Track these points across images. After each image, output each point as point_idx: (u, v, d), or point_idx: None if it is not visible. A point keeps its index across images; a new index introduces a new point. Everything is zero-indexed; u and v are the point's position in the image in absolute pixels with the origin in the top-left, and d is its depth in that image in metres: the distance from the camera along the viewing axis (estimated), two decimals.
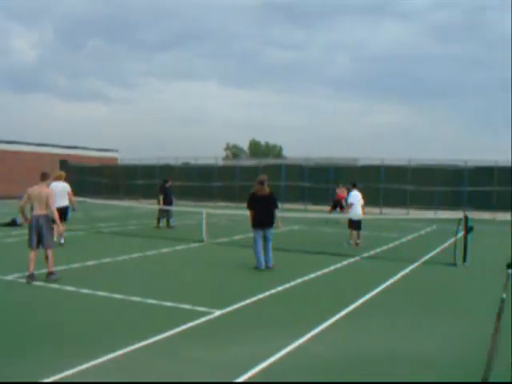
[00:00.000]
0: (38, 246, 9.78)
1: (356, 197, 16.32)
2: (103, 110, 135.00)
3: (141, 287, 9.42)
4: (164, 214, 20.18)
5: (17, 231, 17.55)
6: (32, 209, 9.85)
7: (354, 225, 16.16)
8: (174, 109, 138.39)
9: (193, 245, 15.26)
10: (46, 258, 9.78)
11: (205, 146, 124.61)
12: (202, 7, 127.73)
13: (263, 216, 11.61)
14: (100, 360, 5.61)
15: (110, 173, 45.66)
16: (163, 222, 20.34)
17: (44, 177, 10.14)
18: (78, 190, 40.89)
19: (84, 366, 5.42)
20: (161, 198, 20.32)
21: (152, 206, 24.58)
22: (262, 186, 11.64)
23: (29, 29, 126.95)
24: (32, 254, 9.68)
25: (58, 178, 14.56)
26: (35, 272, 9.65)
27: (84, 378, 5.20)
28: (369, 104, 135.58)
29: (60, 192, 14.06)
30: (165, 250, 14.01)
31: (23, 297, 8.67)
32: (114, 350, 5.89)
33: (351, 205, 16.36)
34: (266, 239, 11.70)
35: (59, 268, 10.61)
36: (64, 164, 46.31)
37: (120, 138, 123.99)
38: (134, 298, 8.47)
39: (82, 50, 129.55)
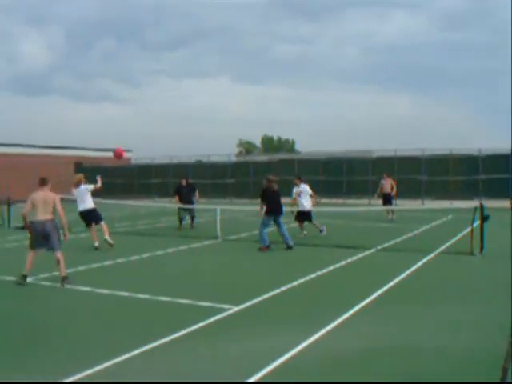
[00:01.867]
0: (40, 249, 9.76)
1: (304, 189, 16.54)
2: (114, 110, 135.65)
3: (156, 286, 9.45)
4: (184, 214, 19.40)
5: None
6: (35, 214, 9.68)
7: (304, 216, 16.48)
8: (186, 107, 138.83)
9: (207, 242, 15.26)
10: (58, 262, 9.61)
11: (217, 143, 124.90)
12: (209, 5, 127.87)
13: (276, 206, 13.70)
14: (118, 359, 5.62)
15: (124, 173, 45.85)
16: (187, 221, 19.58)
17: (43, 182, 9.91)
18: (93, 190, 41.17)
19: (103, 366, 5.44)
20: (176, 198, 19.66)
21: (166, 204, 24.57)
22: (272, 183, 13.89)
23: (40, 33, 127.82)
24: (31, 257, 9.67)
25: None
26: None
27: (104, 377, 5.21)
28: (380, 95, 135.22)
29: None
30: (179, 248, 14.04)
31: (43, 298, 8.74)
32: (131, 349, 5.90)
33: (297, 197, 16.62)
34: (279, 225, 13.73)
35: (75, 269, 10.73)
36: (79, 166, 46.55)
37: (132, 138, 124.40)
38: (152, 297, 8.49)
39: (91, 52, 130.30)
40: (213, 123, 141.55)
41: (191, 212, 19.44)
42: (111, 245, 13.93)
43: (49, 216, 9.69)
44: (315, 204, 17.24)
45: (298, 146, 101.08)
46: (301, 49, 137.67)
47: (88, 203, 14.34)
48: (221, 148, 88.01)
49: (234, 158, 44.69)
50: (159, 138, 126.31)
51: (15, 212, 19.45)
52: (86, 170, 45.61)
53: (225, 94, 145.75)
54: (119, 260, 12.13)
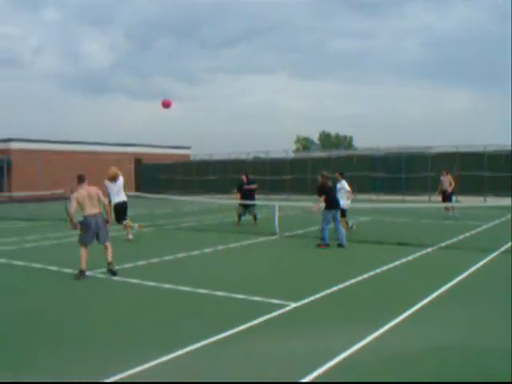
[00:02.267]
0: (91, 243, 10.24)
1: (343, 185, 16.40)
2: (173, 107, 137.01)
3: (213, 281, 9.51)
4: (244, 211, 19.30)
5: None
6: (84, 210, 10.14)
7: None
8: (244, 103, 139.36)
9: (265, 238, 15.32)
10: (106, 248, 10.29)
11: (275, 140, 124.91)
12: (266, 2, 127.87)
13: (334, 201, 13.93)
14: (172, 355, 5.66)
15: (183, 169, 46.46)
16: (247, 217, 19.61)
17: (81, 179, 10.39)
18: (152, 187, 42.11)
19: (156, 361, 5.49)
20: (237, 194, 19.77)
21: (224, 200, 24.74)
22: (327, 179, 14.02)
23: (101, 33, 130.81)
24: (85, 252, 10.07)
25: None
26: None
27: (155, 373, 5.25)
28: (439, 90, 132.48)
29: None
30: (236, 244, 14.15)
31: (100, 292, 8.96)
32: (186, 345, 5.95)
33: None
34: (336, 221, 13.87)
35: (137, 263, 10.99)
36: (139, 162, 47.46)
37: (191, 135, 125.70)
38: (208, 292, 8.58)
39: (150, 51, 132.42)
40: (270, 119, 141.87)
41: (252, 210, 19.27)
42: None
43: (97, 209, 10.26)
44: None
45: (355, 142, 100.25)
46: (358, 43, 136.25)
47: (122, 196, 14.98)
48: (278, 144, 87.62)
49: (291, 155, 44.63)
50: (218, 135, 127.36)
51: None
52: (145, 166, 46.65)
53: (282, 91, 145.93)
54: (179, 255, 12.33)
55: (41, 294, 8.94)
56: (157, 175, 46.54)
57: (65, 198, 23.01)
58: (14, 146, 44.48)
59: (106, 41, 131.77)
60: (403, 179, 34.87)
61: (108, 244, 10.32)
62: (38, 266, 11.20)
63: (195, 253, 12.70)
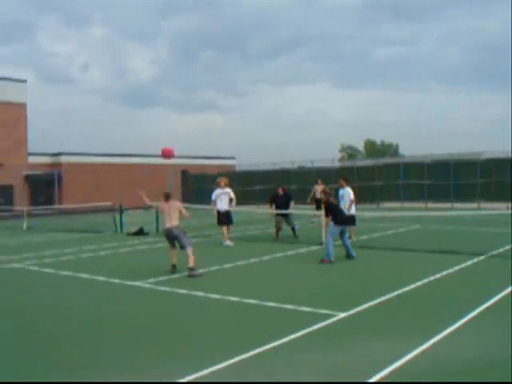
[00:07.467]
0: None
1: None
2: (218, 119, 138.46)
3: (262, 291, 9.49)
4: (280, 224, 18.08)
5: (147, 239, 18.35)
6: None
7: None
8: (287, 114, 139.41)
9: (312, 248, 15.20)
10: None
11: (320, 149, 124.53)
12: (307, 12, 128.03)
13: (344, 216, 13.66)
14: (218, 366, 5.65)
15: (228, 180, 46.57)
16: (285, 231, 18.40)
17: (167, 196, 11.88)
18: (198, 198, 42.44)
19: (204, 372, 5.50)
20: (270, 206, 18.71)
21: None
22: (329, 195, 13.92)
23: (145, 47, 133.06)
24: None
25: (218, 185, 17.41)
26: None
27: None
28: (485, 95, 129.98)
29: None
30: (281, 254, 14.12)
31: (149, 301, 9.05)
32: (234, 355, 5.95)
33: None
34: (343, 235, 13.43)
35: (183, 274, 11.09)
36: (185, 174, 47.90)
37: (237, 146, 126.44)
38: (258, 303, 8.57)
39: (195, 64, 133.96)
40: (314, 129, 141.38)
41: (289, 222, 18.27)
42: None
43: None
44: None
45: (401, 150, 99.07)
46: (401, 50, 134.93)
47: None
48: (323, 154, 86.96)
49: (337, 163, 44.27)
50: (262, 145, 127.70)
51: (127, 219, 20.33)
52: (191, 177, 47.06)
53: (326, 100, 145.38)
54: (226, 265, 12.37)
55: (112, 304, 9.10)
56: (202, 186, 46.83)
57: (112, 210, 23.38)
58: (64, 159, 45.56)
59: (149, 56, 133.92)
60: (451, 186, 34.22)
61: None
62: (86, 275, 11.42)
63: (241, 263, 12.73)
